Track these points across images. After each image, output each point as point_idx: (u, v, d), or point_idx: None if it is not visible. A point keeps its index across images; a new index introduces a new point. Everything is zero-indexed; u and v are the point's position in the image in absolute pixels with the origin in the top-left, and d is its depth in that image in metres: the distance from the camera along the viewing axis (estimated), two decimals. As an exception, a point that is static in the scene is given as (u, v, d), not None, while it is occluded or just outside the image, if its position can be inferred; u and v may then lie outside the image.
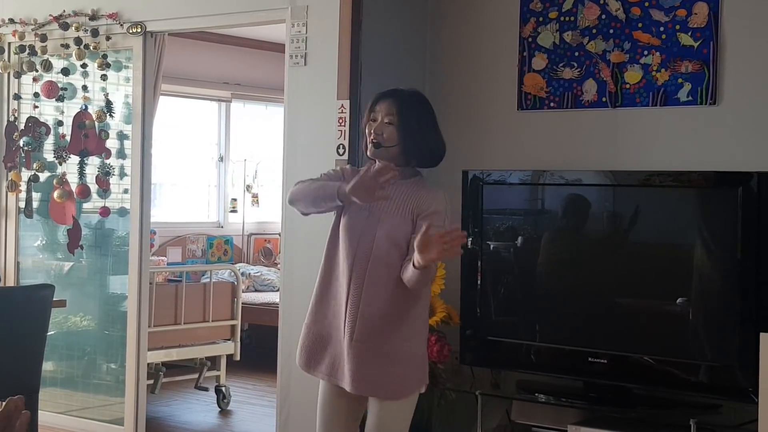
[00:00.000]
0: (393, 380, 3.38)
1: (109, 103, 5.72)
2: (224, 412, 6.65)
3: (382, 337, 3.36)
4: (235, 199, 9.25)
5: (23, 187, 6.00)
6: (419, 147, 3.42)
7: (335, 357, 3.44)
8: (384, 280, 3.35)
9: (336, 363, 3.44)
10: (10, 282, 6.05)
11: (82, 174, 5.78)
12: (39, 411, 4.93)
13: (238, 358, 6.75)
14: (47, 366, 5.49)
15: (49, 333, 4.92)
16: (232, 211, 9.23)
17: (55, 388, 5.96)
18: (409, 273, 3.26)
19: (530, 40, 4.76)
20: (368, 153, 3.45)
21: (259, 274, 8.62)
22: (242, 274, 7.95)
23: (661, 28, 4.42)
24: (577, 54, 4.63)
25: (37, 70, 5.90)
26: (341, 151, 4.65)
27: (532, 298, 4.46)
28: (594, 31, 4.59)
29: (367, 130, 3.46)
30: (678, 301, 4.07)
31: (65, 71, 5.81)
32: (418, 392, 3.44)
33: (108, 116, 5.72)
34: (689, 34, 4.36)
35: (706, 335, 4.02)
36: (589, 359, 4.19)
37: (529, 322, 4.45)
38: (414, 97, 3.52)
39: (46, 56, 5.85)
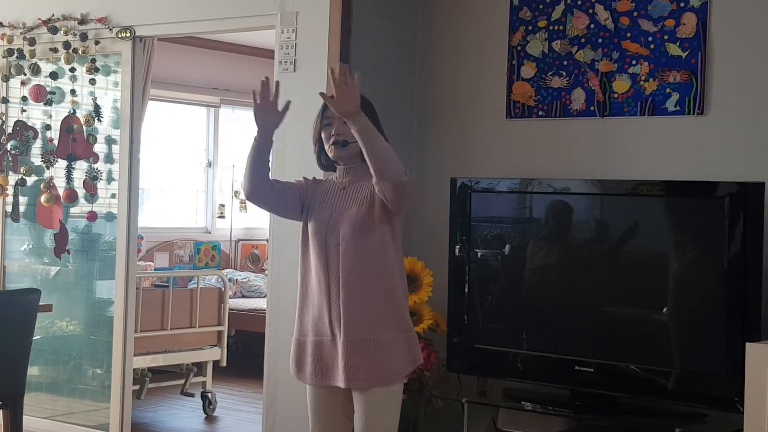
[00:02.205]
0: (383, 365, 3.45)
1: (97, 108, 5.70)
2: (210, 418, 6.64)
3: (367, 326, 3.45)
4: (222, 205, 9.24)
5: (10, 190, 5.98)
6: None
7: (324, 359, 3.51)
8: (359, 273, 3.46)
9: (325, 365, 3.51)
10: (-3, 287, 6.03)
11: (69, 178, 5.76)
12: (24, 416, 4.91)
13: (224, 364, 6.73)
14: (32, 371, 5.47)
15: (34, 337, 4.91)
16: (219, 217, 9.22)
17: (40, 392, 5.94)
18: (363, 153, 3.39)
19: (519, 48, 4.77)
20: (332, 155, 3.58)
21: (246, 279, 8.61)
22: (229, 279, 7.94)
23: (650, 38, 4.44)
24: (565, 63, 4.64)
25: (25, 74, 5.88)
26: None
27: (519, 306, 4.46)
28: (583, 40, 4.60)
29: (323, 135, 3.59)
30: (664, 310, 4.08)
31: (54, 75, 5.80)
32: (402, 381, 3.52)
33: (96, 121, 5.71)
34: (677, 44, 4.37)
35: (693, 345, 4.03)
36: (576, 368, 4.20)
37: (516, 330, 4.46)
38: (365, 100, 3.64)
39: (34, 60, 5.84)
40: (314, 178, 3.76)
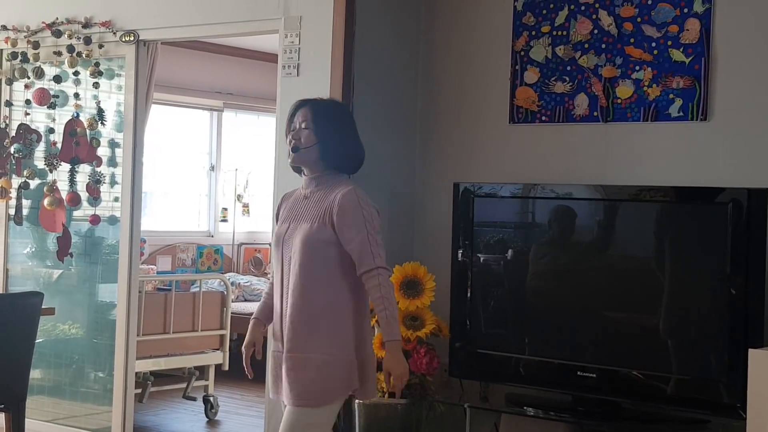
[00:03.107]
0: (314, 386, 3.41)
1: (100, 111, 5.70)
2: (212, 422, 6.64)
3: (304, 344, 3.44)
4: (225, 209, 9.24)
5: (13, 194, 5.98)
6: (336, 149, 3.53)
7: (276, 371, 3.54)
8: (307, 288, 3.45)
9: (277, 376, 3.53)
10: (-1, 289, 6.03)
11: (72, 181, 5.76)
12: (26, 419, 4.91)
13: (226, 368, 6.73)
14: (35, 374, 5.46)
15: (37, 341, 4.91)
16: (222, 221, 9.22)
17: (42, 396, 5.94)
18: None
19: (522, 53, 4.77)
20: (289, 160, 3.59)
21: (248, 283, 8.61)
22: (232, 283, 7.94)
23: (653, 44, 4.44)
24: (569, 68, 4.64)
25: (29, 77, 5.89)
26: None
27: (521, 312, 4.46)
28: (586, 45, 4.60)
29: (287, 140, 3.59)
30: (666, 315, 4.07)
31: (57, 78, 5.81)
32: (336, 402, 3.46)
33: (99, 124, 5.71)
34: (681, 50, 4.37)
35: (695, 350, 4.03)
36: (578, 373, 4.19)
37: (518, 336, 4.45)
38: (331, 104, 3.68)
39: (38, 63, 5.85)
40: (285, 194, 3.77)
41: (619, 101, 4.52)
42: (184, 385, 6.77)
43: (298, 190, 3.66)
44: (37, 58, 5.82)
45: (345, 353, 3.44)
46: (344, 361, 3.44)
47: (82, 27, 5.66)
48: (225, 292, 6.88)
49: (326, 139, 3.51)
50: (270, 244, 7.23)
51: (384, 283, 3.42)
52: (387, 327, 3.41)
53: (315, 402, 3.41)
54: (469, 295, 4.50)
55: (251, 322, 3.70)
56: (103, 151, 5.74)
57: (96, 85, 5.69)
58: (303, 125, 3.53)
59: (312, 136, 3.51)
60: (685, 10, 4.36)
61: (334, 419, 3.53)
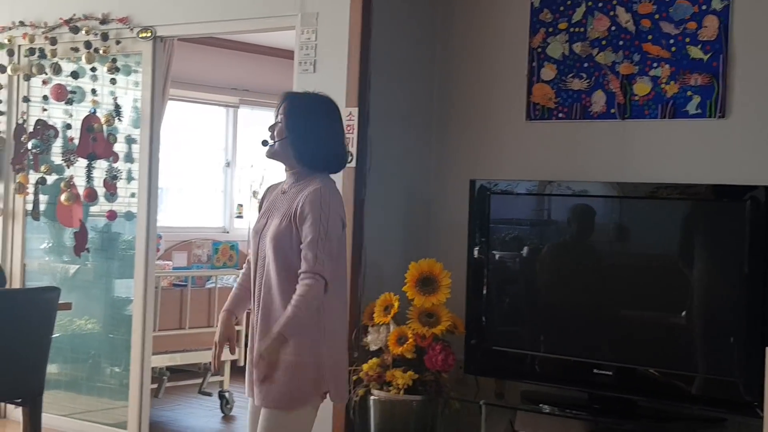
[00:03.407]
0: (281, 387, 3.33)
1: (117, 107, 5.73)
2: (227, 418, 6.65)
3: (261, 342, 3.37)
4: (241, 205, 9.25)
5: (31, 189, 6.01)
6: (307, 145, 3.43)
7: (251, 369, 3.45)
8: (275, 289, 3.37)
9: (250, 373, 3.46)
10: (16, 284, 6.06)
11: (89, 177, 5.79)
12: (43, 413, 4.93)
13: (242, 363, 6.74)
14: (51, 368, 5.49)
15: (53, 335, 4.93)
16: (237, 217, 9.23)
17: (59, 390, 5.97)
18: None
19: (539, 50, 4.76)
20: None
21: (263, 279, 8.61)
22: (247, 279, 7.93)
23: (671, 41, 4.42)
24: (586, 65, 4.63)
25: (46, 73, 5.91)
26: (349, 158, 4.65)
27: (537, 309, 4.45)
28: (604, 42, 4.59)
29: None
30: (683, 313, 4.06)
31: (75, 74, 5.83)
32: (309, 405, 3.37)
33: (116, 120, 5.73)
34: (699, 46, 4.36)
35: (712, 349, 4.01)
36: (594, 371, 4.18)
37: (534, 333, 4.45)
38: (311, 98, 3.55)
39: (55, 59, 5.87)
40: (270, 186, 3.70)
41: (636, 98, 4.50)
42: (199, 381, 6.79)
43: (280, 184, 3.60)
44: (54, 54, 5.85)
45: (312, 355, 3.34)
46: (311, 363, 3.33)
47: (100, 23, 5.68)
48: (240, 288, 6.88)
49: (297, 133, 3.42)
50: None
51: (313, 289, 3.26)
52: (285, 320, 3.27)
53: (283, 404, 3.33)
54: (484, 292, 4.49)
55: (222, 315, 3.56)
56: (119, 147, 5.76)
57: (113, 81, 5.71)
58: (279, 119, 3.47)
59: (283, 130, 3.45)
60: (704, 7, 4.34)
61: (310, 425, 3.43)
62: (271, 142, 3.49)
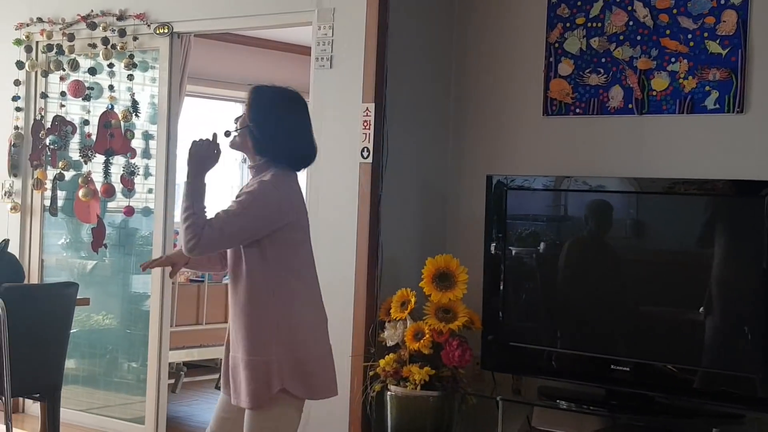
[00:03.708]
0: (240, 386, 3.36)
1: (135, 103, 5.74)
2: (244, 413, 6.65)
3: (234, 344, 3.40)
4: (257, 201, 9.25)
5: (48, 185, 6.03)
6: (267, 138, 3.40)
7: (226, 369, 3.49)
8: (236, 288, 3.40)
9: (226, 376, 3.49)
10: (34, 279, 6.09)
11: (107, 173, 5.81)
12: (61, 408, 4.96)
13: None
14: (69, 363, 5.51)
15: (71, 331, 4.96)
16: (254, 213, 9.23)
17: (77, 385, 6.00)
18: None
19: (557, 45, 4.74)
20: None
21: (280, 275, 8.62)
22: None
23: (689, 36, 4.40)
24: (603, 60, 4.61)
25: (64, 69, 5.94)
26: (365, 154, 4.65)
27: (554, 304, 4.44)
28: (621, 37, 4.57)
29: None
30: (701, 309, 4.04)
31: (92, 71, 5.85)
32: (280, 406, 3.34)
33: (134, 116, 5.75)
34: (717, 41, 4.33)
35: (730, 345, 3.99)
36: (612, 366, 4.17)
37: (551, 328, 4.44)
38: (275, 92, 3.51)
39: (73, 55, 5.89)
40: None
41: (654, 93, 4.48)
42: (216, 376, 6.80)
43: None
44: (72, 50, 5.87)
45: (263, 354, 3.33)
46: (262, 362, 3.32)
47: (117, 19, 5.70)
48: (257, 284, 6.89)
49: (258, 125, 3.39)
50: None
51: (191, 227, 3.27)
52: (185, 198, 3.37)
53: (250, 404, 3.34)
54: (501, 287, 4.48)
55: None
56: (137, 143, 5.78)
57: (130, 77, 5.72)
58: (246, 108, 3.45)
59: (245, 121, 3.43)
60: (722, 2, 4.32)
61: (290, 427, 3.42)
62: (234, 132, 3.46)
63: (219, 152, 3.45)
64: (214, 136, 3.47)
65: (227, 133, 3.47)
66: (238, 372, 3.37)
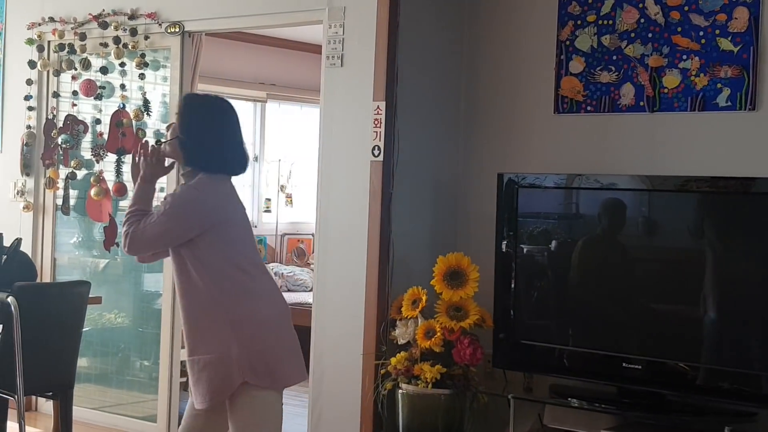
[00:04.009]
0: (205, 388, 3.45)
1: (146, 102, 5.75)
2: (256, 411, 6.66)
3: (196, 347, 3.48)
4: (269, 199, 9.28)
5: (61, 184, 6.05)
6: (196, 146, 3.51)
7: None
8: (184, 293, 3.51)
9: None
10: (47, 278, 6.11)
11: (119, 172, 5.82)
12: (73, 406, 4.98)
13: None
14: (82, 362, 5.54)
15: (84, 329, 4.97)
16: (266, 211, 9.26)
17: (89, 383, 6.01)
18: None
19: (568, 43, 4.74)
20: None
21: (292, 274, 8.65)
22: (275, 273, 7.98)
23: (701, 33, 4.39)
24: (615, 58, 4.61)
25: (76, 69, 5.95)
26: (376, 152, 4.66)
27: (566, 302, 4.44)
28: (632, 34, 4.56)
29: None
30: (713, 307, 4.03)
31: (104, 70, 5.86)
32: (246, 392, 3.42)
33: (145, 115, 5.76)
34: (729, 38, 4.32)
35: (742, 342, 3.99)
36: (623, 365, 4.17)
37: (562, 326, 4.44)
38: (202, 100, 3.66)
39: (85, 55, 5.91)
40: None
41: (665, 91, 4.47)
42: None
43: None
44: (84, 49, 5.89)
45: (221, 351, 3.41)
46: (221, 359, 3.41)
47: (128, 18, 5.71)
48: (269, 282, 6.89)
49: (187, 134, 3.51)
50: (312, 235, 7.24)
51: (126, 225, 3.50)
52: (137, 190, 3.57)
53: (208, 402, 3.44)
54: (512, 285, 4.48)
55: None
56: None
57: (142, 77, 5.74)
58: (177, 119, 3.57)
59: (176, 130, 3.54)
60: (734, -1, 4.31)
61: (271, 410, 3.51)
62: (164, 142, 3.59)
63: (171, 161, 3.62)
64: (159, 144, 3.61)
65: (158, 143, 3.61)
66: (200, 373, 3.45)
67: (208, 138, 3.51)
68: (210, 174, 3.50)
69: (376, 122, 4.65)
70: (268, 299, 3.54)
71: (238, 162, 3.60)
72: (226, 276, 3.45)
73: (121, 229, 3.50)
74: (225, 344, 3.41)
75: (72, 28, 5.91)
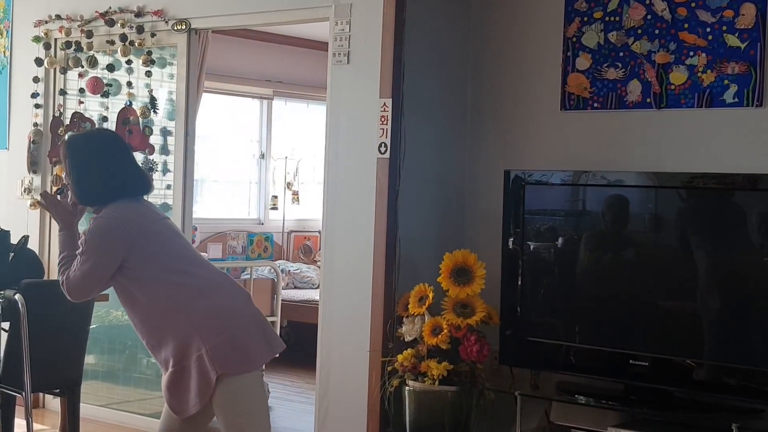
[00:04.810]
0: (193, 394, 3.49)
1: (153, 100, 5.76)
2: (263, 408, 6.67)
3: (169, 360, 3.50)
4: (275, 197, 9.29)
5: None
6: (85, 186, 3.55)
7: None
8: (136, 314, 3.55)
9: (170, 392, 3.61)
10: (54, 275, 6.09)
11: (125, 169, 5.82)
12: (81, 403, 4.99)
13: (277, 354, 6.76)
14: (89, 359, 5.53)
15: (91, 327, 4.97)
16: (272, 209, 9.26)
17: (96, 381, 6.03)
18: None
19: (574, 39, 4.73)
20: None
21: (298, 271, 8.66)
22: (282, 271, 7.99)
23: (708, 29, 4.38)
24: (621, 54, 4.60)
25: (82, 66, 5.96)
26: (383, 149, 4.65)
27: (572, 299, 4.43)
28: (639, 31, 4.55)
29: None
30: (721, 304, 4.02)
31: (110, 67, 5.87)
32: (225, 385, 3.43)
33: (152, 112, 5.77)
34: (736, 35, 4.31)
35: (750, 339, 3.98)
36: (630, 361, 4.16)
37: (569, 323, 4.43)
38: (77, 142, 3.68)
39: (91, 52, 5.91)
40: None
41: (672, 87, 4.46)
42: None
43: None
44: (90, 47, 5.89)
45: (194, 354, 3.44)
46: (196, 361, 3.44)
47: (135, 16, 5.71)
48: (275, 280, 6.92)
49: (72, 178, 3.56)
50: (319, 232, 7.25)
51: (60, 277, 3.59)
52: (61, 243, 3.62)
53: (198, 404, 3.47)
54: (519, 282, 4.48)
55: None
56: (155, 140, 5.79)
57: (148, 74, 5.74)
58: (64, 165, 3.62)
59: (67, 177, 3.59)
60: (741, -5, 4.30)
61: (255, 392, 3.53)
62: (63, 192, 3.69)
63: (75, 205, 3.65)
64: (61, 191, 3.70)
65: (60, 191, 3.69)
66: (183, 380, 3.47)
67: (94, 174, 3.54)
68: (113, 203, 3.53)
69: (382, 119, 4.65)
70: (220, 290, 3.56)
71: (137, 184, 3.62)
72: (170, 284, 3.49)
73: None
74: (192, 347, 3.44)
75: (79, 26, 5.92)
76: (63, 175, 3.66)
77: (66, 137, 3.73)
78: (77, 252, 3.52)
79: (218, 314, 3.49)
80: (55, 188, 6.08)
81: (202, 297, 3.50)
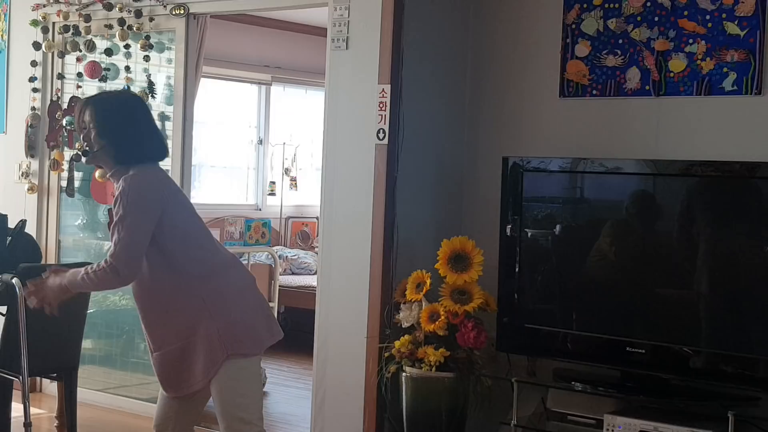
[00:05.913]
0: (199, 370, 3.47)
1: (151, 84, 5.75)
2: (260, 394, 6.68)
3: (175, 337, 3.48)
4: (273, 183, 9.28)
5: (65, 166, 6.05)
6: (124, 146, 3.48)
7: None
8: (148, 286, 3.50)
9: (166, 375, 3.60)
10: (51, 260, 6.11)
11: (123, 154, 5.81)
12: (78, 388, 4.99)
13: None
14: (86, 343, 5.54)
15: (88, 311, 4.98)
16: (270, 194, 9.27)
17: (93, 365, 6.03)
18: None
19: (574, 26, 4.72)
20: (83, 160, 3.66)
21: (296, 257, 8.66)
22: (279, 256, 7.98)
23: (707, 17, 4.37)
24: (621, 41, 4.59)
25: (80, 50, 5.95)
26: (381, 135, 4.65)
27: (570, 286, 4.44)
28: (639, 18, 4.54)
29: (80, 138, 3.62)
30: (717, 291, 4.03)
31: (108, 52, 5.85)
32: (232, 365, 3.42)
33: (150, 97, 5.75)
34: (736, 22, 4.30)
35: (746, 327, 3.98)
36: (627, 349, 4.17)
37: (566, 311, 4.44)
38: (112, 100, 3.69)
39: (89, 36, 5.90)
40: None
41: (671, 75, 4.46)
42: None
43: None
44: (88, 31, 5.88)
45: (201, 331, 3.42)
46: (203, 339, 3.42)
47: (133, 0, 5.69)
48: (273, 265, 6.92)
49: (111, 137, 3.48)
50: (316, 218, 7.24)
51: (105, 279, 3.42)
52: (75, 281, 3.45)
53: (203, 380, 3.46)
54: (517, 269, 4.48)
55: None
56: (153, 124, 5.77)
57: (146, 59, 5.73)
58: (90, 125, 3.51)
59: (97, 136, 3.49)
60: (741, -18, 4.29)
61: (253, 377, 3.53)
62: (90, 149, 3.53)
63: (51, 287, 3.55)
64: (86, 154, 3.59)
65: (85, 153, 3.58)
66: (186, 358, 3.45)
67: (131, 133, 3.50)
68: (140, 165, 3.49)
69: (381, 105, 4.64)
70: (232, 270, 3.56)
71: (159, 149, 3.60)
72: (189, 258, 3.46)
73: (95, 287, 3.61)
74: (203, 324, 3.41)
75: (77, 10, 5.90)
76: (81, 136, 3.56)
77: (84, 99, 3.64)
78: (114, 219, 3.41)
79: (231, 294, 3.49)
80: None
81: (216, 275, 3.49)
